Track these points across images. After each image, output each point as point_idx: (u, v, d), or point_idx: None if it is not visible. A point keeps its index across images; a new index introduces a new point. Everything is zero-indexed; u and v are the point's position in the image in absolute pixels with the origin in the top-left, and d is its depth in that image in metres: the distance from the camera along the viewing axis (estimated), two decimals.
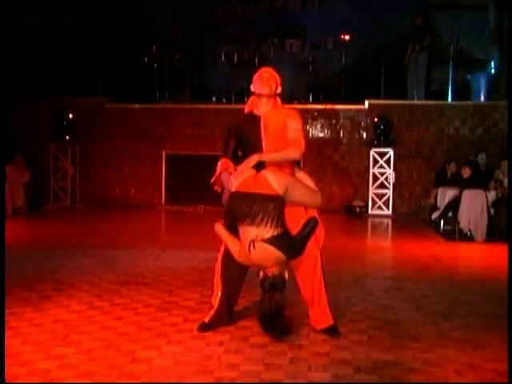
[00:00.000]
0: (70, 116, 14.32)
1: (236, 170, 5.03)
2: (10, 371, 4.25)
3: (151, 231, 11.73)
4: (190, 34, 14.96)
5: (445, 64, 14.51)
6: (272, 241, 4.64)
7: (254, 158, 4.97)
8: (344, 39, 14.51)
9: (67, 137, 14.38)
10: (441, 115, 13.77)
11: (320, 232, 5.10)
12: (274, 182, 4.76)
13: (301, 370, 4.35)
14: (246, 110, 5.37)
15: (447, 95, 14.10)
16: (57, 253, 8.82)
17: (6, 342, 4.85)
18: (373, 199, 13.52)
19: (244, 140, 5.24)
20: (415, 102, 14.01)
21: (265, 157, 5.03)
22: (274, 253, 4.66)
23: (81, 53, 15.52)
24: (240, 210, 4.69)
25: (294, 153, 5.13)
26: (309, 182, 5.26)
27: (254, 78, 5.25)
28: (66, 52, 15.41)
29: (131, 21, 15.00)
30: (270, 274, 4.77)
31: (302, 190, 5.05)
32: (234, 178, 4.90)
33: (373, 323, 5.49)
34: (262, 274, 4.83)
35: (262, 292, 4.85)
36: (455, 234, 10.42)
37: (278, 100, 5.33)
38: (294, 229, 4.88)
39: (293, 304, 5.67)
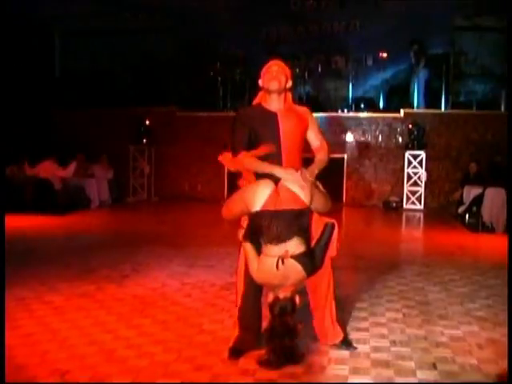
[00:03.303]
0: (147, 122, 14.46)
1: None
2: (97, 337, 4.35)
3: (215, 222, 11.78)
4: (248, 51, 14.99)
5: (470, 78, 14.34)
6: (299, 258, 3.70)
7: (313, 172, 4.03)
8: (382, 56, 14.41)
9: (144, 140, 14.52)
10: (466, 122, 13.60)
11: (334, 239, 4.03)
12: (299, 192, 3.83)
13: None
14: (255, 102, 4.42)
15: (472, 105, 13.90)
16: (135, 238, 8.94)
17: (93, 313, 4.96)
18: (407, 195, 13.39)
19: (257, 136, 4.09)
20: (444, 111, 13.89)
21: (318, 168, 4.12)
22: (300, 271, 3.72)
23: (156, 69, 15.71)
24: (268, 230, 3.71)
25: (327, 156, 4.27)
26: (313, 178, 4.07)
27: (263, 72, 4.27)
28: (144, 68, 15.61)
29: (198, 40, 15.07)
30: (281, 297, 3.77)
31: (321, 194, 4.00)
32: (255, 189, 3.86)
33: (406, 303, 5.45)
34: (271, 296, 3.83)
35: (271, 316, 3.81)
36: (479, 226, 10.26)
37: (289, 95, 4.31)
38: (314, 234, 3.94)
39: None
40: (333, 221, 4.03)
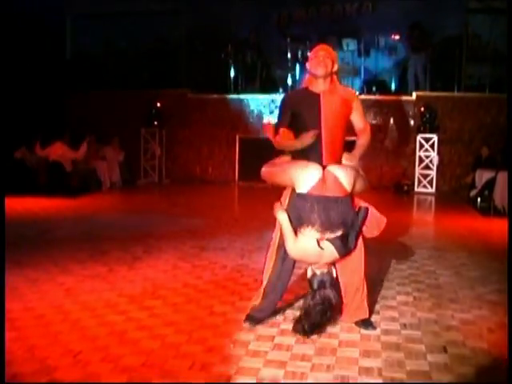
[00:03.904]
0: (158, 105, 14.45)
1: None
2: (109, 318, 4.38)
3: (226, 204, 11.81)
4: (260, 34, 14.93)
5: (483, 61, 14.22)
6: (334, 241, 3.91)
7: (357, 157, 4.29)
8: (394, 38, 14.31)
9: (155, 122, 14.52)
10: (479, 106, 13.51)
11: (374, 220, 4.28)
12: (344, 179, 3.95)
13: (354, 325, 4.34)
14: (303, 86, 4.43)
15: (485, 89, 13.80)
16: (146, 221, 8.97)
17: (105, 294, 4.99)
18: (418, 179, 13.34)
19: (299, 116, 4.17)
20: (456, 94, 13.79)
21: (361, 152, 4.37)
22: (333, 253, 3.93)
23: (167, 52, 15.69)
24: (310, 213, 3.87)
25: (369, 140, 4.48)
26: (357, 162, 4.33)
27: (310, 56, 4.33)
28: (156, 51, 15.59)
29: (210, 23, 15.01)
30: (318, 272, 4.02)
31: (361, 179, 4.15)
32: (303, 171, 3.97)
33: (417, 286, 5.45)
34: (310, 272, 4.08)
35: (310, 289, 4.06)
36: (490, 210, 10.23)
37: (335, 78, 4.37)
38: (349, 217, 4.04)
39: None
40: (366, 205, 4.16)
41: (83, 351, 3.76)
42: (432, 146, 13.24)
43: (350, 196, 4.04)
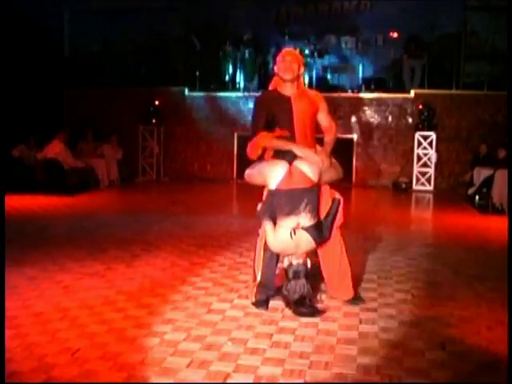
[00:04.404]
0: (156, 103, 14.43)
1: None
2: (107, 316, 4.38)
3: (224, 201, 11.81)
4: (258, 31, 14.92)
5: (482, 59, 14.21)
6: (309, 230, 4.27)
7: (326, 155, 4.52)
8: (392, 36, 14.29)
9: (154, 120, 14.49)
10: (477, 103, 13.51)
11: (340, 211, 4.59)
12: (309, 172, 4.34)
13: (353, 323, 4.36)
14: (271, 87, 4.81)
15: (484, 86, 13.79)
16: (145, 218, 8.97)
17: (103, 292, 4.99)
18: (417, 176, 13.34)
19: (274, 118, 4.51)
20: (454, 91, 13.79)
21: (329, 149, 4.63)
22: (309, 241, 4.30)
23: (165, 49, 15.67)
24: (284, 206, 4.29)
25: (334, 136, 4.79)
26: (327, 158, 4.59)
27: (277, 60, 4.63)
28: (154, 48, 15.57)
29: (208, 21, 15.01)
30: (294, 263, 4.40)
31: (331, 169, 4.56)
32: (271, 169, 4.38)
33: (415, 284, 5.46)
34: (287, 262, 4.46)
35: (286, 279, 4.45)
36: (488, 207, 10.23)
37: (301, 80, 4.80)
38: (324, 209, 4.49)
39: None
40: (339, 197, 4.60)
41: (81, 349, 3.76)
42: (430, 143, 13.25)
43: (318, 186, 4.45)
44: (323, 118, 4.75)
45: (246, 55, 14.53)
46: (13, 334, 3.92)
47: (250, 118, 12.96)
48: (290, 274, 4.41)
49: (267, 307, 4.63)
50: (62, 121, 15.04)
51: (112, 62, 15.73)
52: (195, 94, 14.76)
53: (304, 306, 4.43)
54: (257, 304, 4.66)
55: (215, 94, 14.66)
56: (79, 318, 4.32)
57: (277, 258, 4.69)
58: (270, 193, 4.41)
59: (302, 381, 3.40)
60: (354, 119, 13.80)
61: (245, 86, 14.63)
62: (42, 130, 12.77)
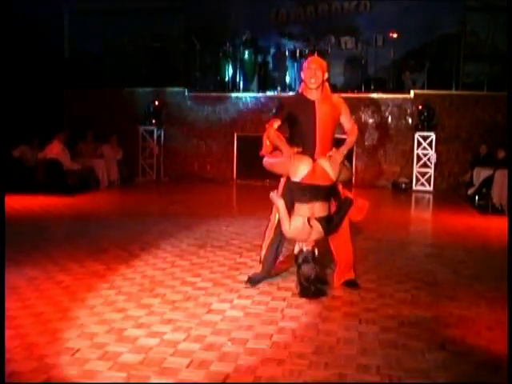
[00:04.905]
0: (156, 103, 14.45)
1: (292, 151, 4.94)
2: (107, 316, 4.39)
3: (224, 202, 11.80)
4: (258, 32, 14.92)
5: (481, 59, 14.22)
6: (322, 220, 4.85)
7: (343, 153, 5.01)
8: (392, 37, 14.26)
9: (153, 121, 14.50)
10: (477, 104, 13.51)
11: (359, 206, 5.11)
12: (330, 170, 4.85)
13: (352, 323, 4.36)
14: (299, 91, 5.27)
15: (483, 86, 13.79)
16: (144, 219, 8.96)
17: (103, 292, 4.99)
18: (416, 177, 13.34)
19: (297, 119, 5.03)
20: (454, 92, 13.79)
21: (348, 149, 5.12)
22: (320, 231, 4.88)
23: (166, 50, 15.67)
24: (303, 196, 4.83)
25: (356, 138, 5.36)
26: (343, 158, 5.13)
27: (304, 67, 5.12)
28: (154, 49, 15.57)
29: (208, 22, 15.01)
30: (304, 249, 4.93)
31: (344, 169, 5.07)
32: (298, 163, 4.86)
33: (415, 284, 5.46)
34: (297, 248, 5.00)
35: (296, 265, 5.00)
36: (488, 208, 10.24)
37: (326, 85, 5.19)
38: (334, 203, 5.07)
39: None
40: (351, 197, 5.09)
41: (81, 349, 3.76)
42: (430, 144, 13.24)
43: (336, 184, 4.96)
44: (346, 121, 5.23)
45: (246, 56, 14.52)
46: (13, 335, 3.92)
47: (249, 118, 13.00)
48: (300, 259, 4.92)
49: (255, 286, 5.23)
50: (62, 121, 15.04)
51: (112, 62, 15.73)
52: (195, 94, 14.76)
53: (312, 287, 4.91)
54: (249, 280, 5.29)
55: (215, 95, 14.66)
56: (79, 318, 4.32)
57: (281, 246, 5.35)
58: (293, 183, 4.90)
59: (301, 381, 3.40)
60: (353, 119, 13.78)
61: (244, 86, 14.62)
62: (42, 130, 12.76)
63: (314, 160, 4.87)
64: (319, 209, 4.84)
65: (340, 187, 5.13)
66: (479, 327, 4.32)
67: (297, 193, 4.89)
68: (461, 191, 12.28)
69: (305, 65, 5.12)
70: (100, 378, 3.37)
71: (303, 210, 4.84)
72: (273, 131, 5.04)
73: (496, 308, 4.75)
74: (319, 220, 4.84)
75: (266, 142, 5.21)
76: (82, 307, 4.59)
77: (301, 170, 4.83)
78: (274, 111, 5.30)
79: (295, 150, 4.94)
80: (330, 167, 4.86)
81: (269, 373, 3.47)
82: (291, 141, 5.09)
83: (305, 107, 5.03)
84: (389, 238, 7.79)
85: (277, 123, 5.04)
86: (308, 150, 4.95)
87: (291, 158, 4.88)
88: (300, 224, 4.84)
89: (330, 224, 4.92)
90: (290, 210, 4.92)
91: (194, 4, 15.31)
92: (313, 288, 4.91)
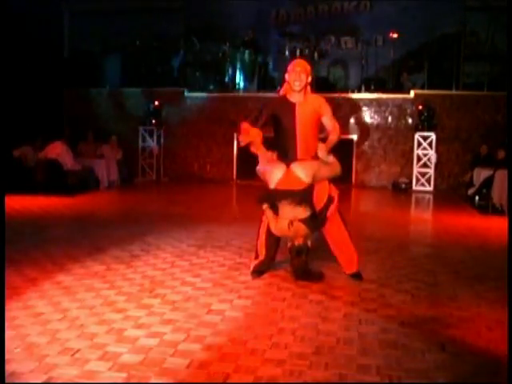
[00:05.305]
0: (156, 103, 14.46)
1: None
2: (106, 317, 4.38)
3: (224, 202, 11.81)
4: (258, 32, 14.93)
5: (481, 59, 14.23)
6: (305, 221, 5.05)
7: (325, 150, 5.28)
8: (392, 37, 14.27)
9: (153, 121, 14.52)
10: (477, 104, 13.52)
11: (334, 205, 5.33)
12: (302, 174, 5.06)
13: (352, 323, 4.36)
14: (281, 94, 5.49)
15: (483, 86, 13.79)
16: (144, 219, 8.97)
17: (103, 292, 4.99)
18: (416, 177, 13.36)
19: (278, 121, 5.32)
20: (454, 92, 13.80)
21: (329, 146, 5.33)
22: (305, 230, 5.10)
23: (165, 50, 15.68)
24: (281, 202, 5.09)
25: (337, 137, 5.43)
26: (326, 154, 5.39)
27: (288, 69, 5.34)
28: (153, 49, 15.58)
29: (208, 21, 15.02)
30: (296, 244, 5.22)
31: (325, 168, 5.26)
32: (272, 170, 5.18)
33: (416, 284, 5.46)
34: (290, 243, 5.29)
35: (290, 256, 5.36)
36: (488, 208, 10.25)
37: (308, 88, 5.41)
38: (320, 201, 5.25)
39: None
40: (333, 195, 5.30)
41: (81, 349, 3.76)
42: (430, 144, 13.27)
43: (312, 185, 5.13)
44: (327, 122, 5.39)
45: (246, 56, 14.53)
46: (13, 335, 3.92)
47: (249, 118, 13.07)
48: (294, 253, 5.26)
49: (261, 275, 5.57)
50: (61, 121, 15.05)
51: (112, 62, 15.73)
52: (195, 94, 14.78)
53: (305, 276, 5.35)
54: (254, 274, 5.57)
55: (215, 95, 14.66)
56: (79, 319, 4.32)
57: (278, 241, 5.65)
58: (271, 190, 5.17)
59: (301, 381, 3.40)
60: (352, 120, 13.81)
61: (244, 86, 14.63)
62: (42, 130, 12.77)
63: (288, 165, 5.13)
64: (299, 212, 5.04)
65: (326, 184, 5.33)
66: (479, 327, 4.32)
67: (276, 199, 5.14)
68: (461, 191, 12.29)
69: (290, 67, 5.36)
70: (100, 379, 3.37)
71: (285, 213, 5.09)
72: (254, 134, 5.31)
73: (496, 308, 4.75)
74: (303, 221, 5.05)
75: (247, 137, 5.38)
76: (82, 307, 4.59)
77: (274, 176, 5.13)
78: (255, 116, 5.49)
79: (270, 154, 5.31)
80: (301, 171, 5.08)
81: (269, 373, 3.47)
82: (275, 142, 5.45)
83: (286, 110, 5.29)
84: (389, 238, 7.79)
85: (255, 128, 5.33)
86: (290, 151, 5.28)
87: (268, 162, 5.27)
88: (284, 226, 5.10)
89: (314, 222, 5.15)
90: (275, 212, 5.21)
91: (194, 4, 15.32)
92: (304, 277, 5.36)
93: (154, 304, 4.72)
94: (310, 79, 5.34)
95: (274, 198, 5.15)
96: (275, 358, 3.69)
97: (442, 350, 3.88)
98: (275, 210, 5.17)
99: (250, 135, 5.33)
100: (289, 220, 5.05)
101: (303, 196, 5.07)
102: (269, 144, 5.44)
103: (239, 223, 8.67)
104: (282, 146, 5.37)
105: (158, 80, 15.00)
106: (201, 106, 14.71)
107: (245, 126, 5.36)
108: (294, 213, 5.04)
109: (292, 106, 5.29)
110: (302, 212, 5.04)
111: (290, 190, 5.04)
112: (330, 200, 5.26)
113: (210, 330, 4.16)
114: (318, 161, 5.27)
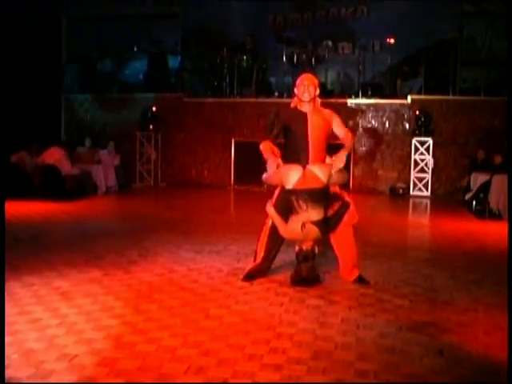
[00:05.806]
0: (154, 109, 14.46)
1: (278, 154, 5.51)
2: (104, 322, 4.37)
3: (221, 207, 11.81)
4: (255, 37, 14.93)
5: (478, 64, 14.26)
6: (317, 223, 5.17)
7: (343, 156, 5.41)
8: (389, 42, 14.29)
9: (151, 126, 14.51)
10: (474, 109, 13.53)
11: (353, 211, 5.55)
12: (320, 174, 5.25)
13: (350, 328, 4.36)
14: (292, 106, 5.65)
15: (480, 91, 13.81)
16: (142, 224, 8.96)
17: (100, 298, 4.98)
18: (414, 182, 13.36)
19: (291, 130, 5.49)
20: (451, 97, 13.82)
21: (345, 153, 5.46)
22: (316, 233, 5.21)
23: (163, 55, 15.70)
24: (297, 202, 5.19)
25: (352, 143, 5.78)
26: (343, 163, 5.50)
27: (297, 83, 5.59)
28: (151, 55, 15.61)
29: (205, 27, 15.04)
30: (304, 248, 5.32)
31: (339, 173, 5.42)
32: (288, 172, 5.29)
33: (413, 289, 5.46)
34: (298, 247, 5.37)
35: (297, 261, 5.43)
36: (486, 213, 10.25)
37: (317, 100, 5.64)
38: (330, 206, 5.37)
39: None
40: (349, 201, 5.49)
41: (79, 355, 3.75)
42: (427, 149, 13.27)
43: (327, 186, 5.32)
44: (339, 131, 5.62)
45: (243, 61, 14.54)
46: (10, 341, 3.91)
47: (247, 123, 13.08)
48: (301, 258, 5.35)
49: (252, 281, 5.58)
50: (59, 126, 15.05)
51: (109, 67, 15.75)
52: (192, 99, 14.78)
53: (310, 282, 5.39)
54: (245, 278, 5.65)
55: (212, 100, 14.67)
56: (77, 324, 4.32)
57: (278, 246, 5.75)
58: (287, 191, 5.29)
59: None
60: (350, 125, 13.83)
61: (242, 92, 14.64)
62: (39, 135, 12.76)
63: (304, 167, 5.29)
64: (314, 213, 5.16)
65: (338, 190, 5.55)
66: (477, 332, 4.32)
67: (292, 199, 5.21)
68: (458, 196, 12.29)
69: (298, 81, 5.59)
70: None
71: (298, 215, 5.18)
72: (265, 145, 5.51)
73: (494, 313, 4.75)
74: (315, 223, 5.16)
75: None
76: (80, 313, 4.58)
77: (292, 177, 5.24)
78: (269, 127, 5.66)
79: (279, 160, 5.41)
80: (319, 171, 5.26)
81: (267, 378, 3.47)
82: (286, 149, 5.58)
83: (299, 119, 5.48)
84: (386, 243, 7.79)
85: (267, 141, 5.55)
86: (303, 156, 5.39)
87: (278, 167, 5.35)
88: (296, 228, 5.18)
89: (326, 226, 5.26)
90: (288, 215, 5.29)
91: (192, 9, 15.34)
92: (305, 283, 5.39)
93: (152, 309, 4.72)
94: (317, 92, 5.57)
95: (292, 199, 5.22)
96: (273, 363, 3.68)
97: (439, 354, 3.88)
98: (289, 212, 5.27)
99: (271, 150, 5.48)
100: (301, 222, 5.14)
101: (321, 195, 5.22)
102: (280, 149, 5.62)
103: (237, 228, 8.67)
104: (295, 151, 5.48)
105: (156, 85, 15.01)
106: (198, 112, 14.72)
107: (265, 146, 5.50)
108: (308, 214, 5.14)
109: (304, 115, 5.49)
110: (317, 213, 5.16)
111: (309, 188, 5.18)
112: (346, 205, 5.42)
113: (208, 335, 4.16)
114: (330, 164, 5.41)
